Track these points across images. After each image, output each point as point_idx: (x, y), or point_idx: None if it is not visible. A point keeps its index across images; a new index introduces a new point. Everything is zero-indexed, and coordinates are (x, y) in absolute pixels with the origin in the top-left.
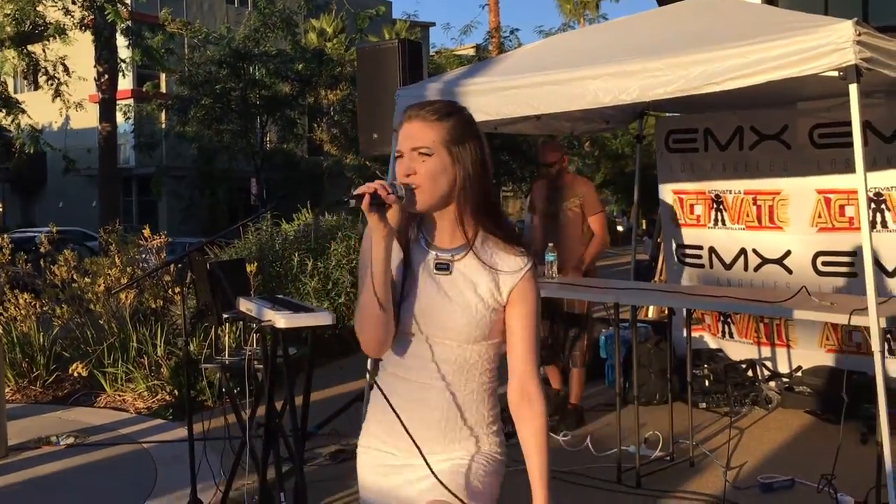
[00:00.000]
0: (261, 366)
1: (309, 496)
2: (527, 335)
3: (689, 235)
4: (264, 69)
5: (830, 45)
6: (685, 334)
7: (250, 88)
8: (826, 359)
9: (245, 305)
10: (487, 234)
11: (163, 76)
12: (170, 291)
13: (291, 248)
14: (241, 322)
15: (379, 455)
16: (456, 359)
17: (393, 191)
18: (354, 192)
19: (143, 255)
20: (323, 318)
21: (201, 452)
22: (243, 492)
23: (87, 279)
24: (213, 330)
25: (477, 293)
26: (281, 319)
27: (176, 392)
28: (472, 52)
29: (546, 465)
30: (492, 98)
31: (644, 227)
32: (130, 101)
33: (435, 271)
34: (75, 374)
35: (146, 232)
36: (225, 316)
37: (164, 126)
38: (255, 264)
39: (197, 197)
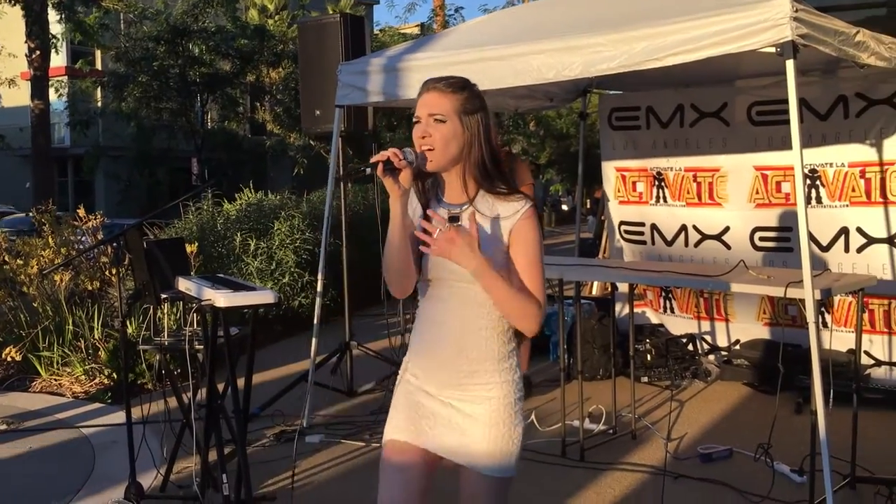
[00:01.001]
0: (201, 346)
1: (253, 477)
2: (527, 267)
3: (632, 213)
4: (204, 46)
5: (768, 21)
6: (628, 310)
7: (189, 66)
8: (763, 332)
9: (184, 285)
10: (489, 191)
11: (98, 53)
12: (107, 273)
13: (234, 228)
14: (181, 302)
15: (413, 389)
16: (466, 298)
17: (404, 156)
18: (371, 161)
19: (79, 237)
20: (265, 297)
21: (141, 436)
22: (186, 475)
23: (19, 261)
24: (151, 311)
25: (486, 240)
26: (221, 298)
27: (115, 375)
28: (416, 30)
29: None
30: (435, 74)
31: (588, 205)
32: (64, 79)
33: (448, 224)
34: (8, 359)
35: (81, 212)
36: (163, 296)
37: (99, 104)
38: (196, 244)
39: (135, 177)
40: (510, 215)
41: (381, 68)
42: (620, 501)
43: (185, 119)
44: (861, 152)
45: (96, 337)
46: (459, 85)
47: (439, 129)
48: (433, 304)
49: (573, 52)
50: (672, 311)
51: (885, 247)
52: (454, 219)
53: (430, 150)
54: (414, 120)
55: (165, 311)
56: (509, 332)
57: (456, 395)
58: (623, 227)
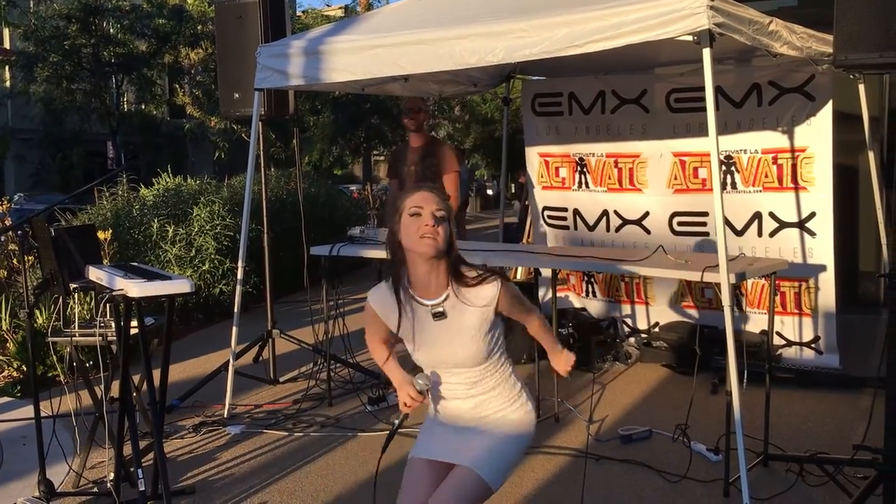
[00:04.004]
0: (114, 338)
1: (172, 471)
2: (522, 309)
3: (555, 198)
4: (118, 25)
5: (686, 10)
6: (551, 294)
7: (103, 45)
8: (681, 315)
9: (95, 274)
10: (460, 284)
11: (6, 31)
12: (14, 261)
13: (151, 214)
14: (93, 292)
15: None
16: (469, 379)
17: (422, 387)
18: (401, 417)
19: None
20: (180, 286)
21: (51, 431)
22: (100, 470)
23: None
24: (60, 301)
25: (474, 330)
26: (134, 288)
27: (24, 368)
28: (340, 13)
29: (553, 335)
30: (358, 57)
31: (513, 190)
32: None
33: (434, 320)
34: None
35: None
36: (73, 286)
37: (8, 85)
38: (110, 231)
39: (47, 161)
40: (492, 299)
41: (302, 51)
42: (543, 485)
43: (99, 101)
44: (774, 139)
45: (4, 328)
46: (445, 194)
47: (443, 226)
48: (441, 387)
49: (496, 37)
50: (594, 295)
51: (796, 231)
52: (439, 314)
53: (431, 238)
54: (412, 212)
55: (77, 301)
56: (512, 377)
57: (476, 426)
58: (546, 213)
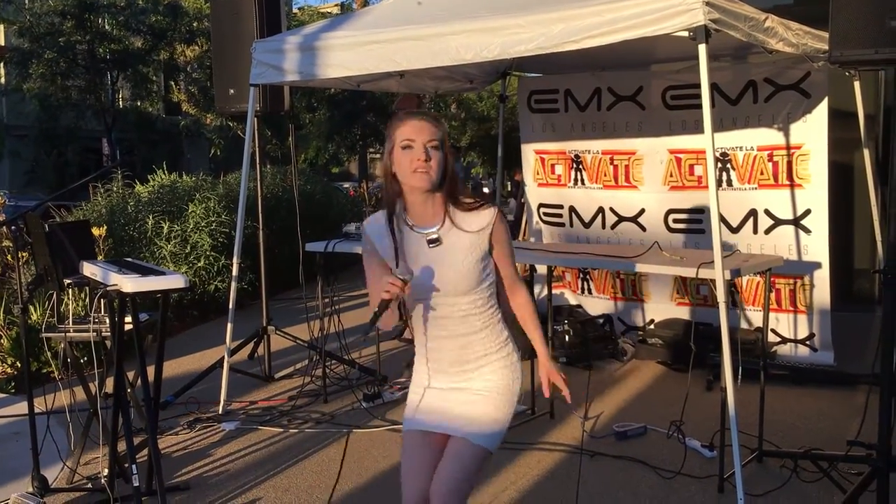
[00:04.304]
0: (108, 334)
1: (166, 467)
2: (508, 261)
3: (550, 195)
4: (113, 21)
5: (681, 6)
6: (546, 291)
7: (98, 42)
8: (676, 312)
9: (89, 270)
10: (457, 208)
11: (0, 28)
12: (8, 256)
13: (146, 211)
14: (87, 288)
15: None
16: (458, 313)
17: (402, 275)
18: (380, 303)
19: None
20: (175, 282)
21: (45, 428)
22: (94, 466)
23: None
24: (55, 297)
25: (465, 253)
26: (128, 283)
27: (18, 364)
28: (336, 10)
29: (541, 330)
30: (353, 53)
31: (509, 188)
32: None
33: (429, 247)
34: None
35: None
36: (67, 282)
37: (2, 81)
38: (105, 228)
39: (42, 157)
40: (486, 225)
41: (298, 47)
42: (539, 481)
43: (94, 97)
44: (769, 136)
45: None
46: (439, 118)
47: (437, 155)
48: (429, 322)
49: (492, 33)
50: (590, 292)
51: (791, 228)
52: (434, 241)
53: (424, 172)
54: (403, 144)
55: (72, 297)
56: (500, 323)
57: (461, 385)
58: (542, 210)
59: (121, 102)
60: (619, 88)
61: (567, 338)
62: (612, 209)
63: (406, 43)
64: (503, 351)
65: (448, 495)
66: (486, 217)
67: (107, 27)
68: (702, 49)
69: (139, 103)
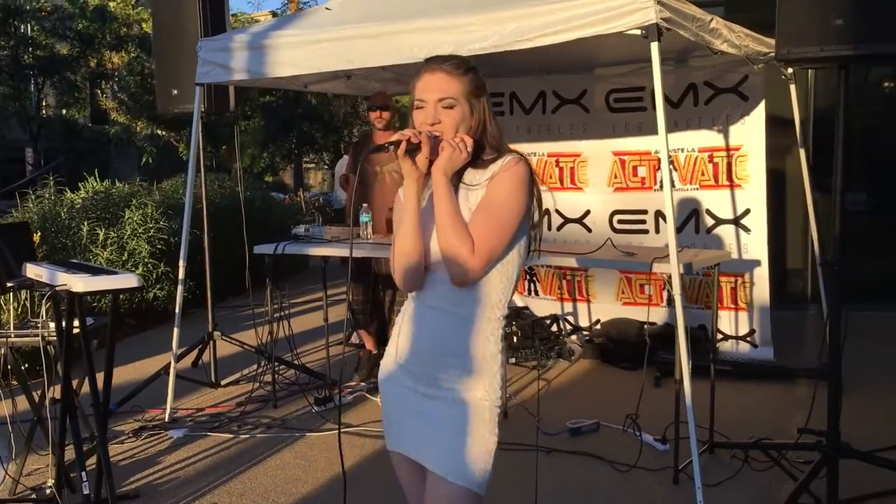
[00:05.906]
0: (53, 338)
1: (114, 475)
2: (481, 210)
3: None
4: (38, 27)
5: (634, 5)
6: None
7: (22, 47)
8: (622, 312)
9: (34, 271)
10: (474, 166)
11: None
12: None
13: (80, 217)
14: (29, 290)
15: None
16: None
17: (428, 135)
18: (391, 140)
19: None
20: (128, 281)
21: None
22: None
23: None
24: None
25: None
26: (78, 283)
27: None
28: (269, 17)
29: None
30: (303, 52)
31: None
32: None
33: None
34: None
35: None
36: (9, 284)
37: None
38: (38, 234)
39: None
40: (493, 173)
41: (246, 45)
42: (496, 481)
43: (18, 104)
44: (710, 138)
45: None
46: (466, 66)
47: (450, 115)
48: (426, 283)
49: (445, 31)
50: (536, 293)
51: (731, 227)
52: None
53: (440, 135)
54: (417, 105)
55: (10, 300)
56: (497, 333)
57: (432, 392)
58: None
59: (45, 111)
60: (564, 91)
61: (515, 339)
62: (557, 211)
63: (358, 41)
64: (487, 363)
65: None
66: (496, 166)
67: (31, 33)
68: (654, 47)
69: (65, 111)
